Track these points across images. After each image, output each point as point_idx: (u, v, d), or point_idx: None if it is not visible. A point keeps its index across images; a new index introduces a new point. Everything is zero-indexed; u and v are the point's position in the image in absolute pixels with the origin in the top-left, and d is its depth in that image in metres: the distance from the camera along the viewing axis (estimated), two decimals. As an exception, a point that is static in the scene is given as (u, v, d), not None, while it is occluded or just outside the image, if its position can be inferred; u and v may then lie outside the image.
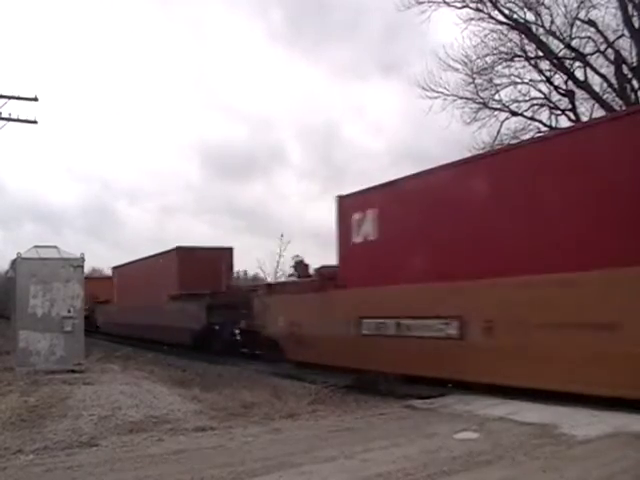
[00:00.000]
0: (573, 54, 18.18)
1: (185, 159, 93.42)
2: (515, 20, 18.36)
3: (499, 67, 18.96)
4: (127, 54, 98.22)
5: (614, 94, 17.91)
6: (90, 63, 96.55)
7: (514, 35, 18.59)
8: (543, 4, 18.17)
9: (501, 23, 18.50)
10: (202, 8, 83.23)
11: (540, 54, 18.56)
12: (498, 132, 19.24)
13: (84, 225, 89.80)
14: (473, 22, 18.52)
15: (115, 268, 31.45)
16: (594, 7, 17.69)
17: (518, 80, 19.08)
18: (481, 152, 14.34)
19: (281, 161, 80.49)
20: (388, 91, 72.03)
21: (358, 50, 67.96)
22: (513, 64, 18.96)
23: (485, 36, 18.59)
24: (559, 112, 18.98)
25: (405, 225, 10.46)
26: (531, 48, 18.63)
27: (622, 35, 17.40)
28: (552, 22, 18.05)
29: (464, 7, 18.48)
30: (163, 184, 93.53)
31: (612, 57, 17.61)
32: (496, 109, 19.35)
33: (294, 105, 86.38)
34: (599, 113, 18.40)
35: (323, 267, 13.59)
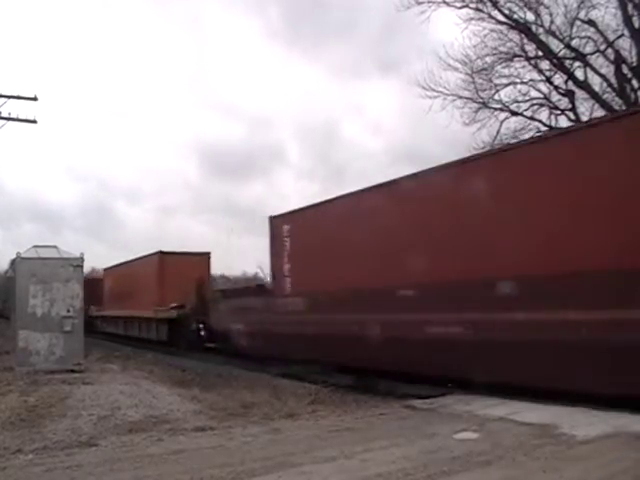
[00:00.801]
0: (573, 54, 18.18)
1: (183, 158, 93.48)
2: (515, 20, 18.36)
3: (499, 67, 18.97)
4: (125, 53, 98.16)
5: (614, 94, 17.91)
6: (89, 63, 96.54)
7: (514, 35, 18.61)
8: (543, 4, 18.18)
9: (501, 23, 18.50)
10: (199, 7, 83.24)
11: (540, 54, 18.56)
12: (498, 132, 19.26)
13: (83, 225, 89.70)
14: (473, 22, 18.53)
15: (291, 216, 13.67)
16: (594, 7, 17.71)
17: (518, 80, 19.09)
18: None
19: (280, 160, 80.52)
20: (387, 90, 72.05)
21: (357, 49, 67.99)
22: (513, 64, 18.97)
23: (485, 36, 18.59)
24: (559, 112, 18.99)
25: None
26: (531, 48, 18.65)
27: (622, 35, 17.40)
28: (552, 22, 18.06)
29: (464, 7, 18.50)
30: (162, 184, 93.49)
31: (612, 57, 17.61)
32: (496, 109, 19.35)
33: (293, 104, 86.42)
34: (599, 113, 18.44)
35: None
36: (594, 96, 17.99)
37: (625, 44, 17.50)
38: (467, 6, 18.47)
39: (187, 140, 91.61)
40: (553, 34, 18.09)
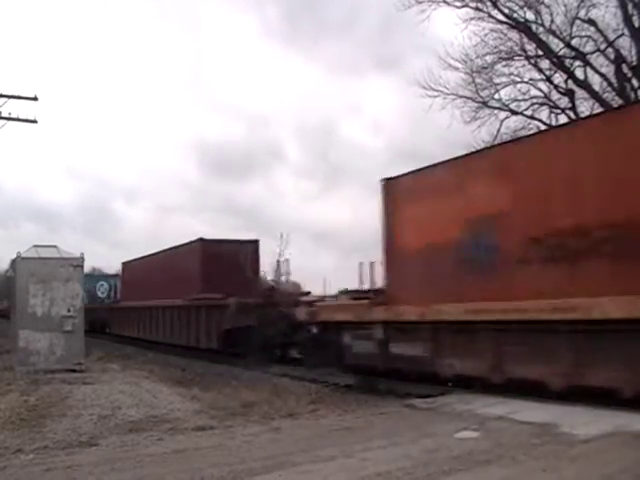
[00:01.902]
0: (573, 53, 18.18)
1: (182, 157, 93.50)
2: (515, 19, 18.37)
3: (499, 66, 19.00)
4: (125, 53, 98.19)
5: (614, 93, 17.91)
6: (89, 63, 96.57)
7: (514, 34, 18.61)
8: (543, 3, 18.19)
9: (501, 22, 18.51)
10: (197, 5, 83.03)
11: (540, 53, 18.56)
12: (498, 131, 19.28)
13: (82, 224, 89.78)
14: (473, 22, 18.55)
15: None
16: (594, 6, 17.72)
17: (518, 79, 19.11)
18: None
19: (279, 159, 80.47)
20: (386, 88, 71.98)
21: (355, 47, 67.85)
22: (513, 63, 19.00)
23: (485, 35, 18.62)
24: (559, 111, 19.00)
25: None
26: (531, 47, 18.66)
27: (622, 34, 17.40)
28: (552, 21, 18.07)
29: (464, 7, 18.50)
30: (161, 183, 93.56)
31: (612, 56, 17.61)
32: (496, 108, 19.37)
33: (291, 102, 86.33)
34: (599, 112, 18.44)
35: None
36: (594, 95, 17.99)
37: (625, 43, 17.53)
38: (467, 5, 18.49)
39: (186, 139, 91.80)
40: (553, 33, 18.10)
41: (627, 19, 16.99)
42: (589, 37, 17.98)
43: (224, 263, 16.16)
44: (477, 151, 11.57)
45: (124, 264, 26.66)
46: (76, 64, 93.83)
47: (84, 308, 27.36)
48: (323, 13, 70.16)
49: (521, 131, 19.13)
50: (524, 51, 18.71)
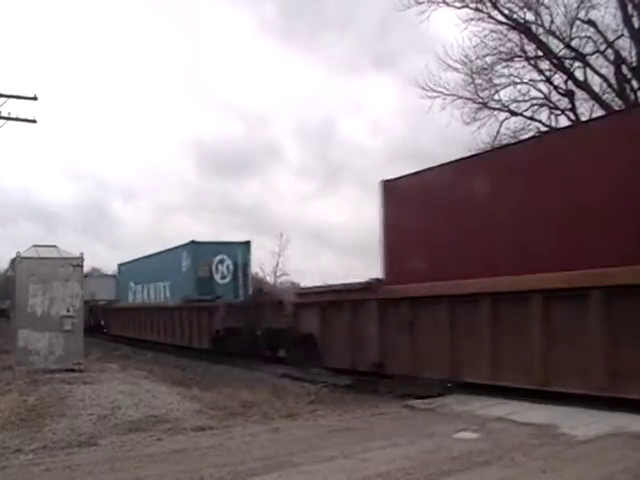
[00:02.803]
0: (573, 54, 18.21)
1: (181, 157, 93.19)
2: (515, 20, 18.40)
3: (499, 67, 19.04)
4: (123, 52, 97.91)
5: (614, 94, 17.94)
6: (88, 62, 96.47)
7: (514, 35, 18.66)
8: (543, 4, 18.23)
9: (501, 23, 18.56)
10: (194, 3, 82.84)
11: (540, 54, 18.60)
12: (498, 132, 19.30)
13: (81, 224, 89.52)
14: (473, 22, 18.59)
15: None
16: (594, 7, 17.77)
17: (518, 80, 19.15)
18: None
19: (278, 158, 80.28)
20: (386, 87, 71.85)
21: (354, 45, 67.74)
22: (513, 64, 19.03)
23: (485, 36, 18.67)
24: (559, 112, 19.03)
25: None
26: (531, 48, 18.69)
27: (622, 35, 17.44)
28: (552, 22, 18.11)
29: (463, 7, 18.54)
30: (160, 182, 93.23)
31: (612, 57, 17.63)
32: (496, 109, 19.40)
33: (290, 101, 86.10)
34: (599, 113, 18.47)
35: None
36: (594, 96, 18.01)
37: (625, 44, 17.57)
38: (467, 6, 18.52)
39: (185, 138, 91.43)
40: (553, 34, 18.13)
41: (627, 20, 17.02)
42: (589, 38, 18.04)
43: None
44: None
45: (390, 183, 10.77)
46: (75, 64, 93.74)
47: (205, 307, 17.76)
48: (321, 11, 70.10)
49: (521, 132, 19.17)
50: (524, 52, 18.75)
